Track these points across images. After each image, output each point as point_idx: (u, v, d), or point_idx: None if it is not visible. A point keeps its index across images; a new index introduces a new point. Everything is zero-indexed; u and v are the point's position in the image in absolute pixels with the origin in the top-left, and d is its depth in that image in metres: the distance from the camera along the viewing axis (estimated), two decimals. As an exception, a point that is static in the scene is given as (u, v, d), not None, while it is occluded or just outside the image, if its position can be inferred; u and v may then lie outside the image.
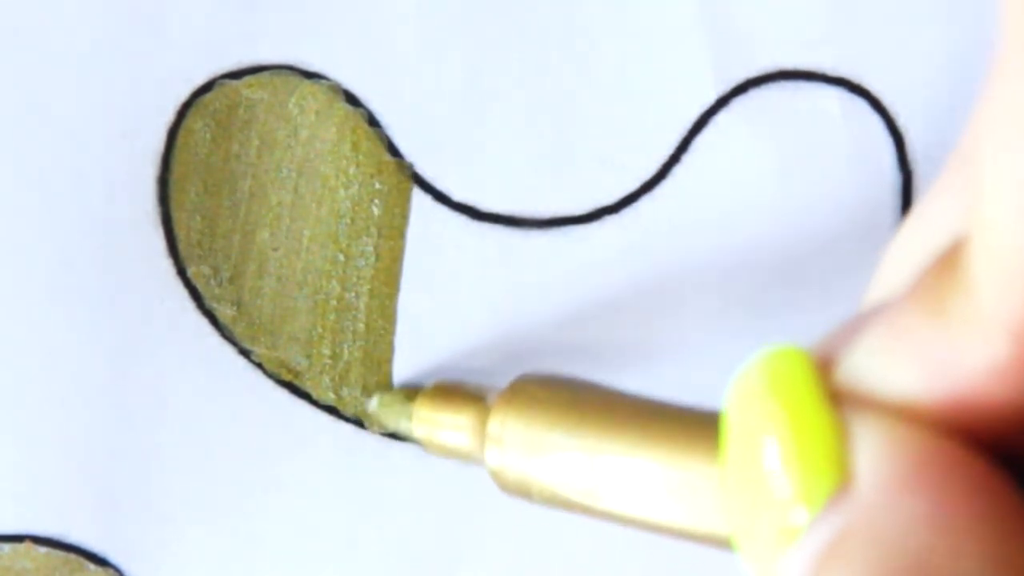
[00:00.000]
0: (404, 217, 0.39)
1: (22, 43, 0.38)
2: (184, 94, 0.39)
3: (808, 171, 0.38)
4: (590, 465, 0.32)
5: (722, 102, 0.38)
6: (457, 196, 0.39)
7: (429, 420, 0.37)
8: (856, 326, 0.26)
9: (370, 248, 0.39)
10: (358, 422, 0.39)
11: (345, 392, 0.39)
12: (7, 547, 0.39)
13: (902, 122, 0.38)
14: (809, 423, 0.24)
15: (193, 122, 0.39)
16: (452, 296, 0.39)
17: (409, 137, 0.39)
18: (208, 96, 0.39)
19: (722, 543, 0.28)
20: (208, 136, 0.39)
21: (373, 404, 0.39)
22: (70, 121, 0.38)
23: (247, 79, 0.39)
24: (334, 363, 0.39)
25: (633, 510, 0.31)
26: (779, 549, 0.24)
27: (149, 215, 0.39)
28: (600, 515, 0.32)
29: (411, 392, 0.38)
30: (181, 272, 0.39)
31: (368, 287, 0.39)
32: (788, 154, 0.38)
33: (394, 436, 0.39)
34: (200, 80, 0.39)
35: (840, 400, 0.24)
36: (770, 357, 0.25)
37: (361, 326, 0.39)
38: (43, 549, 0.39)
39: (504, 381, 0.35)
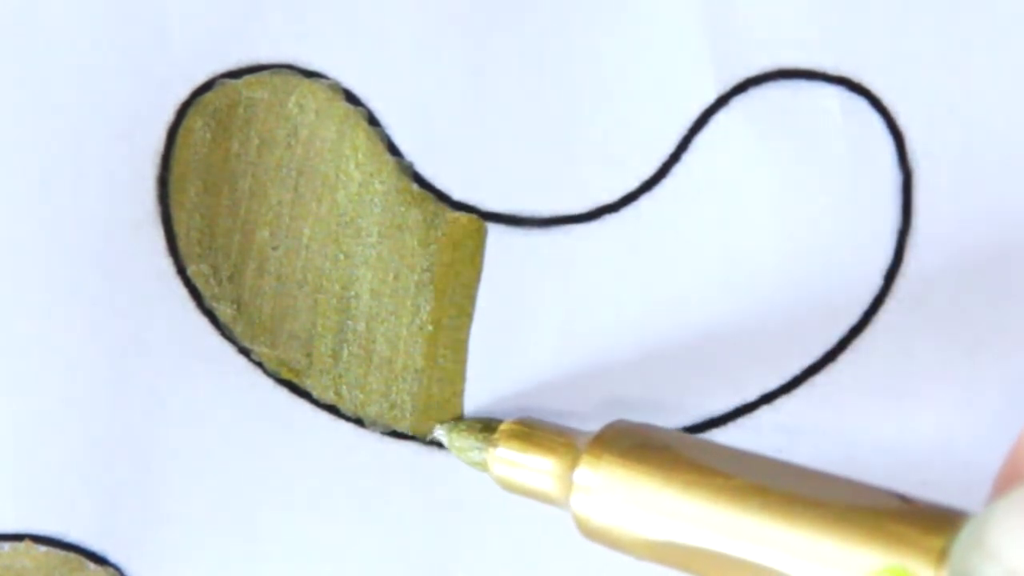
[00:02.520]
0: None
1: (22, 43, 0.38)
2: (184, 93, 0.39)
3: (808, 170, 0.38)
4: (688, 528, 0.32)
5: (722, 101, 0.38)
6: (457, 195, 0.39)
7: (509, 460, 0.37)
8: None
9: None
10: (358, 421, 0.39)
11: (345, 391, 0.39)
12: (7, 546, 0.39)
13: (902, 121, 0.38)
14: None
15: (193, 121, 0.39)
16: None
17: (409, 136, 0.39)
18: (208, 95, 0.39)
19: None
20: (208, 135, 0.39)
21: (441, 433, 0.39)
22: (70, 120, 0.38)
23: (247, 78, 0.39)
24: (335, 362, 0.39)
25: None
26: None
27: (149, 214, 0.39)
28: (693, 573, 0.33)
29: (486, 427, 0.38)
30: (181, 271, 0.39)
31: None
32: (788, 153, 0.38)
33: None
34: (200, 79, 0.39)
35: None
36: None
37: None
38: (43, 548, 0.39)
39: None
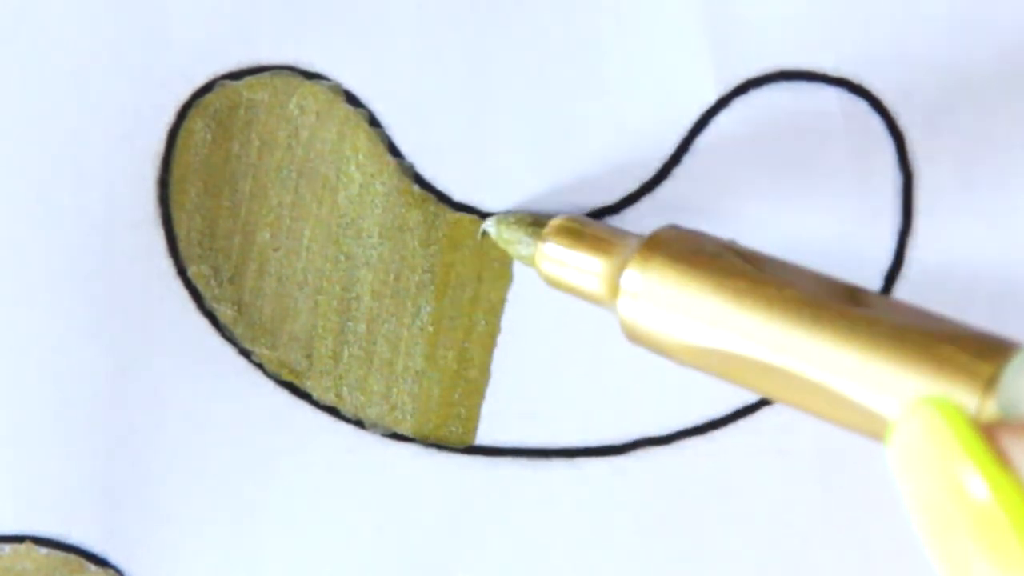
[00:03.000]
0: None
1: (22, 44, 0.38)
2: (184, 95, 0.39)
3: (809, 171, 0.38)
4: (734, 336, 0.32)
5: (723, 102, 0.38)
6: (458, 196, 0.39)
7: (557, 257, 0.36)
8: None
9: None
10: (358, 423, 0.39)
11: (346, 393, 0.39)
12: (8, 547, 0.39)
13: (903, 122, 0.38)
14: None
15: (193, 123, 0.39)
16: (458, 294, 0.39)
17: (410, 137, 0.39)
18: (208, 97, 0.39)
19: (869, 435, 0.30)
20: (208, 137, 0.39)
21: (489, 224, 0.38)
22: (71, 122, 0.38)
23: (248, 80, 0.39)
24: (336, 364, 0.39)
25: (776, 392, 0.31)
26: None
27: (149, 215, 0.39)
28: (734, 382, 0.32)
29: (536, 220, 0.37)
30: (181, 272, 0.39)
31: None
32: (789, 155, 0.38)
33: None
34: (200, 81, 0.39)
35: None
36: (937, 408, 0.27)
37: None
38: (44, 550, 0.39)
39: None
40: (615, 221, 0.39)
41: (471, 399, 0.39)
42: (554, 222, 0.37)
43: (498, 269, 0.39)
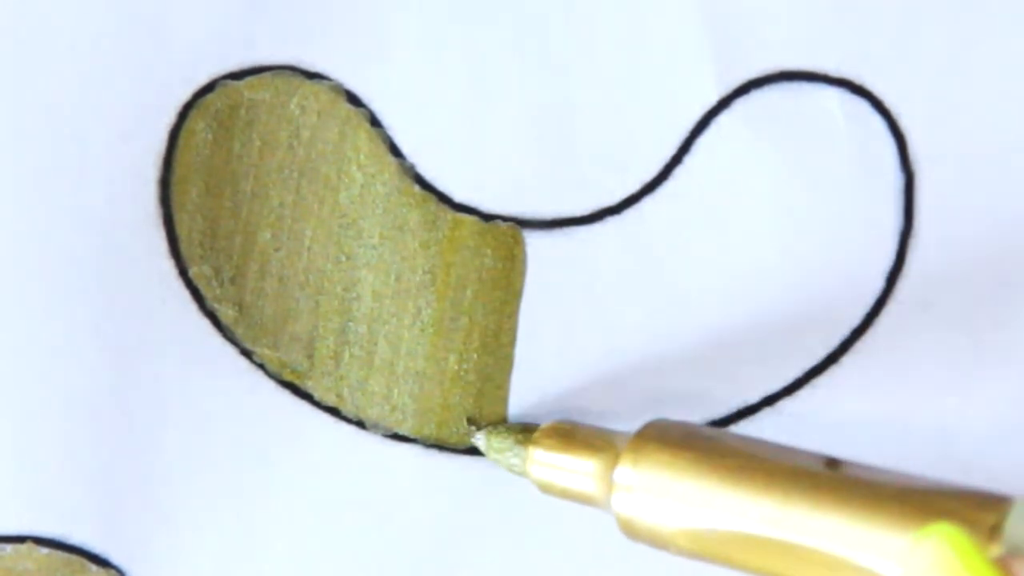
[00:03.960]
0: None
1: (23, 44, 0.38)
2: (185, 95, 0.39)
3: (810, 172, 0.38)
4: (731, 529, 0.33)
5: (724, 103, 0.38)
6: (459, 197, 0.39)
7: (548, 463, 0.37)
8: None
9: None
10: (359, 423, 0.39)
11: (346, 393, 0.39)
12: (9, 548, 0.39)
13: (904, 123, 0.38)
14: None
15: (195, 123, 0.39)
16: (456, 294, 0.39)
17: (411, 138, 0.39)
18: (210, 97, 0.39)
19: None
20: (210, 137, 0.39)
21: (480, 439, 0.39)
22: (71, 122, 0.38)
23: (249, 80, 0.39)
24: (337, 364, 0.39)
25: (779, 569, 0.32)
26: None
27: (151, 216, 0.39)
28: (736, 566, 0.33)
29: (525, 430, 0.38)
30: (183, 273, 0.39)
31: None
32: (790, 155, 0.38)
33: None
34: (201, 81, 0.39)
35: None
36: (947, 540, 0.27)
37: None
38: (45, 550, 0.39)
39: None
40: (615, 221, 0.39)
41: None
42: (542, 428, 0.37)
43: (502, 270, 0.39)
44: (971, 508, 0.30)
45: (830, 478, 0.32)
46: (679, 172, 0.39)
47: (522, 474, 0.38)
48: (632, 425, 0.36)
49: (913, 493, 0.31)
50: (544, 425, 0.38)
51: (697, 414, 0.38)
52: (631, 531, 0.35)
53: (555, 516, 0.39)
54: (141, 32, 0.38)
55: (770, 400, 0.38)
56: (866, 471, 0.32)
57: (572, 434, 0.37)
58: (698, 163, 0.39)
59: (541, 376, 0.39)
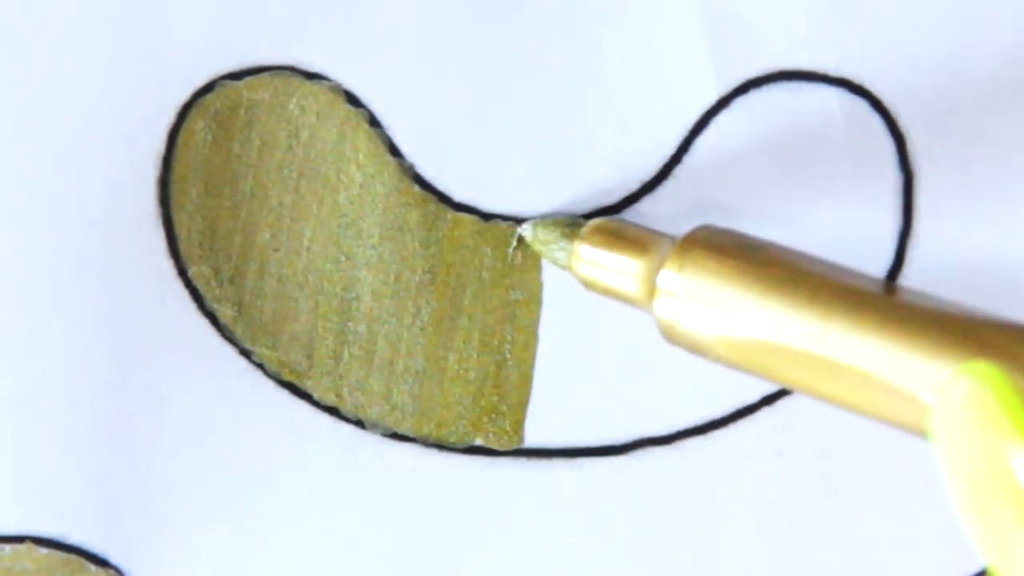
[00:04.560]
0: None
1: (22, 44, 0.38)
2: (185, 95, 0.39)
3: (809, 172, 0.38)
4: (771, 340, 0.32)
5: (723, 102, 0.38)
6: (458, 196, 0.39)
7: (593, 260, 0.36)
8: None
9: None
10: (359, 423, 0.39)
11: (346, 393, 0.39)
12: (8, 548, 0.39)
13: (903, 123, 0.38)
14: None
15: (194, 123, 0.39)
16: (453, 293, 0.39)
17: (410, 138, 0.39)
18: (209, 97, 0.39)
19: (916, 433, 0.29)
20: (209, 137, 0.39)
21: (527, 229, 0.38)
22: (71, 122, 0.38)
23: (248, 80, 0.39)
24: (336, 364, 0.39)
25: (815, 385, 0.31)
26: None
27: (150, 216, 0.39)
28: (771, 377, 0.32)
29: (572, 223, 0.37)
30: (182, 273, 0.39)
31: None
32: (789, 155, 0.38)
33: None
34: (201, 81, 0.39)
35: None
36: (985, 378, 0.26)
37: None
38: (44, 550, 0.39)
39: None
40: (615, 221, 0.39)
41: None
42: (590, 224, 0.37)
43: (500, 270, 0.39)
44: (1012, 339, 0.29)
45: (876, 298, 0.31)
46: (679, 172, 0.39)
47: (566, 268, 0.37)
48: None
49: (960, 322, 0.30)
50: (593, 221, 0.37)
51: (696, 413, 0.38)
52: (671, 335, 0.34)
53: (555, 516, 0.39)
54: (141, 32, 0.38)
55: (769, 400, 0.38)
56: (920, 298, 0.32)
57: (620, 233, 0.36)
58: (697, 163, 0.39)
59: (540, 374, 0.39)
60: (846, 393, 0.31)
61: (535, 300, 0.39)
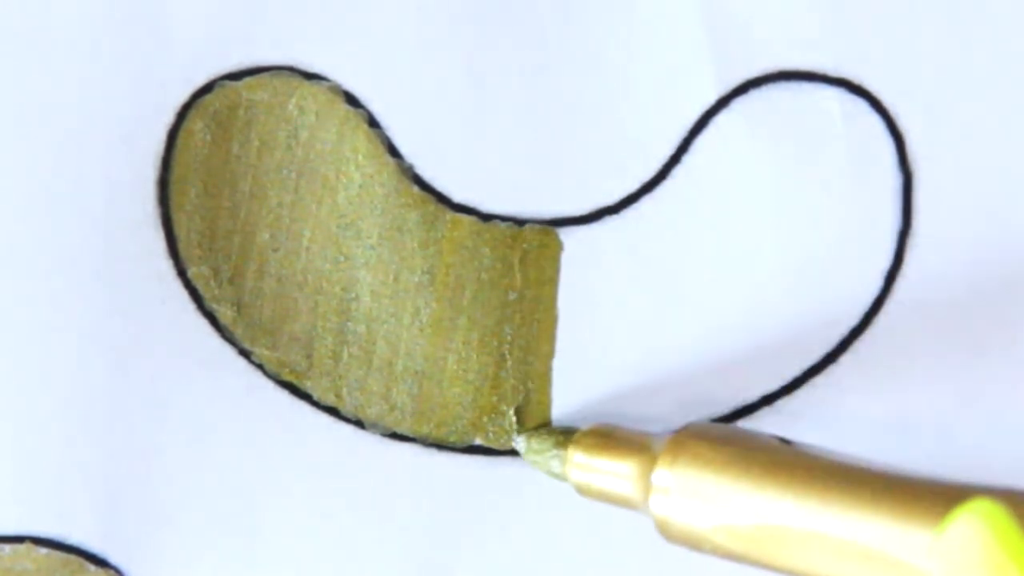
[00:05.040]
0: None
1: (22, 45, 0.38)
2: (184, 95, 0.39)
3: (809, 172, 0.38)
4: (770, 523, 0.33)
5: (723, 103, 0.38)
6: (457, 197, 0.39)
7: (586, 466, 0.37)
8: None
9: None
10: (358, 423, 0.39)
11: (345, 393, 0.39)
12: (7, 548, 0.39)
13: (903, 123, 0.38)
14: None
15: (193, 123, 0.39)
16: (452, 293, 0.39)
17: (409, 138, 0.39)
18: (208, 97, 0.39)
19: None
20: (208, 137, 0.39)
21: (521, 443, 0.39)
22: (70, 123, 0.38)
23: (247, 80, 0.39)
24: (336, 364, 0.39)
25: (817, 565, 0.32)
26: None
27: (149, 216, 0.39)
28: (771, 565, 0.33)
29: (564, 433, 0.38)
30: (181, 273, 0.39)
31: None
32: (789, 155, 0.38)
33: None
34: (200, 81, 0.39)
35: None
36: (983, 517, 0.26)
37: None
38: (43, 550, 0.39)
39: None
40: (615, 221, 0.39)
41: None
42: (582, 431, 0.37)
43: (500, 270, 0.39)
44: (1012, 503, 0.29)
45: (867, 473, 0.32)
46: (678, 172, 0.39)
47: (561, 477, 0.38)
48: (644, 421, 0.36)
49: (950, 488, 0.31)
50: (584, 428, 0.38)
51: (695, 413, 0.38)
52: (668, 532, 0.35)
53: (554, 516, 0.39)
54: (140, 32, 0.38)
55: (769, 399, 0.38)
56: (911, 471, 0.32)
57: (611, 436, 0.37)
58: (697, 163, 0.39)
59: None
60: (846, 572, 0.31)
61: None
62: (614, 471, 0.36)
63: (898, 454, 0.38)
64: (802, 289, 0.38)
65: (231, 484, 0.39)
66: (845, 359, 0.38)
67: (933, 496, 0.31)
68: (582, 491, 0.37)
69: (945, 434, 0.38)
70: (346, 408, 0.39)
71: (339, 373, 0.39)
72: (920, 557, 0.30)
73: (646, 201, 0.39)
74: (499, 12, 0.39)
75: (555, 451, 0.38)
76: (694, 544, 0.34)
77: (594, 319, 0.39)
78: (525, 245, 0.39)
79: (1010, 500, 0.29)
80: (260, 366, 0.39)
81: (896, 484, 0.31)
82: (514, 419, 0.39)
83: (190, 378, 0.39)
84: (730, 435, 0.35)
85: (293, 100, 0.39)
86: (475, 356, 0.39)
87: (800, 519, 0.32)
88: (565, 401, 0.39)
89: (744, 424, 0.38)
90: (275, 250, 0.39)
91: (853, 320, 0.38)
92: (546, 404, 0.39)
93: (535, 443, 0.38)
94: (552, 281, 0.39)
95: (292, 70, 0.39)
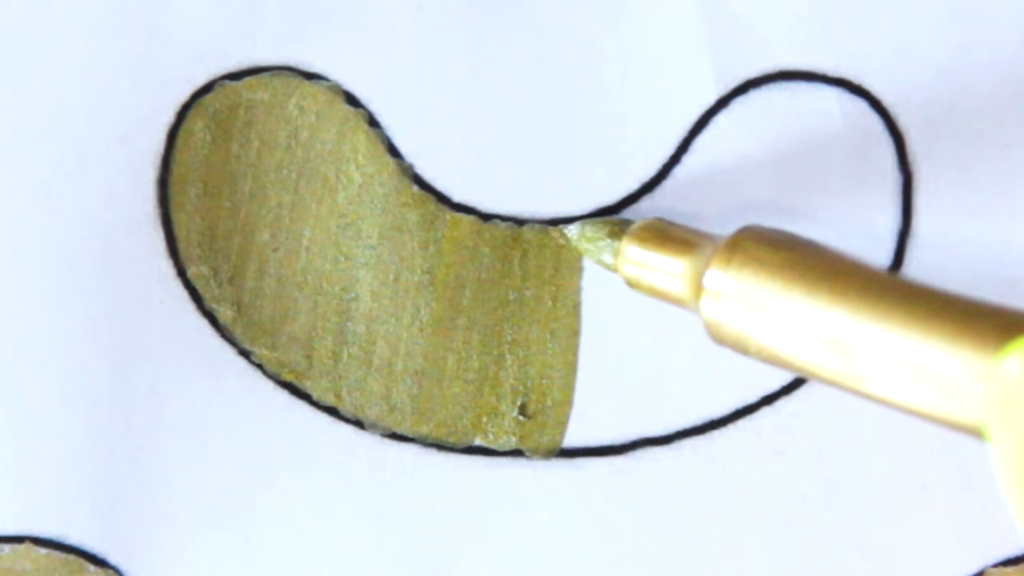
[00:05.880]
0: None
1: (22, 45, 0.38)
2: (184, 95, 0.39)
3: (809, 172, 0.38)
4: (822, 331, 0.31)
5: (722, 103, 0.38)
6: (457, 197, 0.39)
7: (639, 261, 0.36)
8: None
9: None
10: (358, 423, 0.39)
11: (345, 393, 0.39)
12: (7, 548, 0.39)
13: (902, 123, 0.38)
14: None
15: (193, 123, 0.39)
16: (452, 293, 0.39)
17: (409, 138, 0.39)
18: (208, 97, 0.39)
19: (966, 430, 0.29)
20: (208, 137, 0.39)
21: (574, 231, 0.38)
22: (70, 123, 0.38)
23: (247, 80, 0.39)
24: (335, 364, 0.39)
25: (865, 385, 0.31)
26: None
27: (149, 216, 0.39)
28: (814, 374, 0.32)
29: (618, 225, 0.37)
30: (181, 273, 0.39)
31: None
32: (788, 155, 0.38)
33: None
34: (200, 81, 0.39)
35: None
36: None
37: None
38: (43, 550, 0.39)
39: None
40: (615, 221, 0.39)
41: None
42: (638, 224, 0.37)
43: (500, 270, 0.39)
44: None
45: (923, 290, 0.31)
46: (678, 171, 0.39)
47: (612, 268, 0.37)
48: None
49: (1014, 315, 0.29)
50: (640, 221, 0.37)
51: (695, 413, 0.38)
52: (717, 335, 0.34)
53: (555, 516, 0.39)
54: (140, 32, 0.38)
55: (769, 399, 0.38)
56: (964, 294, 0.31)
57: (666, 232, 0.36)
58: (697, 163, 0.39)
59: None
60: (893, 389, 0.30)
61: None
62: (667, 268, 0.35)
63: (898, 454, 0.38)
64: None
65: (230, 484, 0.39)
66: (845, 359, 0.38)
67: (993, 321, 0.29)
68: (632, 284, 0.36)
69: (945, 434, 0.38)
70: (346, 408, 0.39)
71: (339, 373, 0.39)
72: (971, 380, 0.29)
73: (646, 201, 0.39)
74: (499, 12, 0.39)
75: (609, 241, 0.37)
76: (742, 348, 0.33)
77: (592, 318, 0.39)
78: (525, 245, 0.39)
79: None
80: (260, 366, 0.39)
81: (955, 305, 0.30)
82: (519, 416, 0.39)
83: (190, 378, 0.39)
84: (789, 240, 0.34)
85: (293, 100, 0.39)
86: (475, 356, 0.39)
87: (852, 330, 0.31)
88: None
89: (743, 423, 0.39)
90: (275, 250, 0.39)
91: (853, 320, 0.38)
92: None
93: (589, 230, 0.38)
94: (552, 281, 0.39)
95: (292, 70, 0.39)
